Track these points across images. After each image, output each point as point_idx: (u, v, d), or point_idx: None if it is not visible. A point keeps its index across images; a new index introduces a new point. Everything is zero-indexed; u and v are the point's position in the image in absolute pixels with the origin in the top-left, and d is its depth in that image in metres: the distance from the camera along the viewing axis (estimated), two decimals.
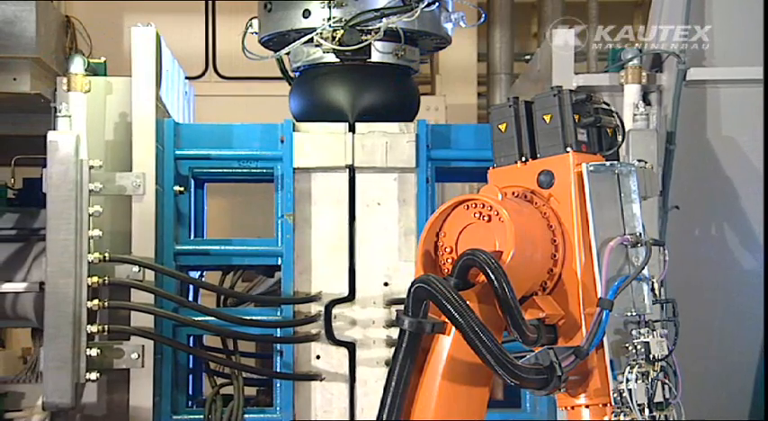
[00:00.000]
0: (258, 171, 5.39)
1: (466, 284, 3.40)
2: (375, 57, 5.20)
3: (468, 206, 3.51)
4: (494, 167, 3.73)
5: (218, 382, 5.39)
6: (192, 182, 5.56)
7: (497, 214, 3.43)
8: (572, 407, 3.51)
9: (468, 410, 3.44)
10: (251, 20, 5.32)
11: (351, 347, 5.18)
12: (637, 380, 3.38)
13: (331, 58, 5.18)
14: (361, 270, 5.21)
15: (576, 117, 3.55)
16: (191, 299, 5.49)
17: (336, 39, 4.94)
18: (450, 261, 3.51)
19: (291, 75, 5.54)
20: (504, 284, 3.27)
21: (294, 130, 5.21)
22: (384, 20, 4.88)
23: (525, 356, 3.34)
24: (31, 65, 5.14)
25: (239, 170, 5.43)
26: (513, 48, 9.08)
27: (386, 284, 5.20)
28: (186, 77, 6.22)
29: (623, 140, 3.67)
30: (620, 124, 3.67)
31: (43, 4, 5.21)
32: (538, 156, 3.60)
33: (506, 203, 3.47)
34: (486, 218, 3.45)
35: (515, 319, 3.30)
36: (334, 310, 5.17)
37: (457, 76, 9.90)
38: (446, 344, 3.36)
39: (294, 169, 5.19)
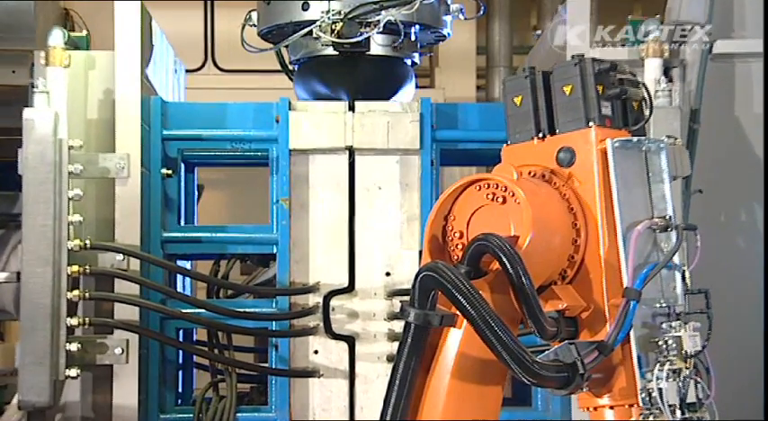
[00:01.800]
0: (252, 153, 5.15)
1: (477, 272, 3.10)
2: (374, 49, 5.03)
3: (479, 186, 3.22)
4: (508, 145, 3.43)
5: (212, 379, 5.10)
6: (182, 166, 5.31)
7: (513, 195, 3.14)
8: (594, 409, 3.21)
9: (480, 412, 3.15)
10: (250, 12, 5.17)
11: (350, 341, 4.92)
12: (668, 378, 3.08)
13: (330, 50, 5.00)
14: (361, 259, 4.96)
15: (600, 88, 3.25)
16: (179, 290, 5.22)
17: (335, 31, 4.83)
18: (459, 247, 3.22)
19: (290, 67, 5.37)
20: (521, 272, 2.98)
21: (290, 109, 4.93)
22: (383, 12, 4.76)
23: (543, 352, 3.05)
24: (29, 57, 5.01)
25: (232, 153, 5.18)
26: (512, 41, 9.10)
27: (388, 274, 4.96)
28: (186, 70, 6.03)
29: (651, 114, 3.37)
30: (648, 97, 3.37)
31: None
32: (557, 131, 3.31)
33: (522, 183, 3.18)
34: (499, 199, 3.16)
35: (533, 311, 3.01)
36: (333, 302, 4.90)
37: (456, 69, 9.90)
38: (456, 339, 3.06)
39: (290, 151, 4.92)
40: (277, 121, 4.95)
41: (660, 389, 3.07)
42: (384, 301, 4.91)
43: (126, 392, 4.65)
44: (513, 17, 9.13)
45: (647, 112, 3.36)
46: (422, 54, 5.32)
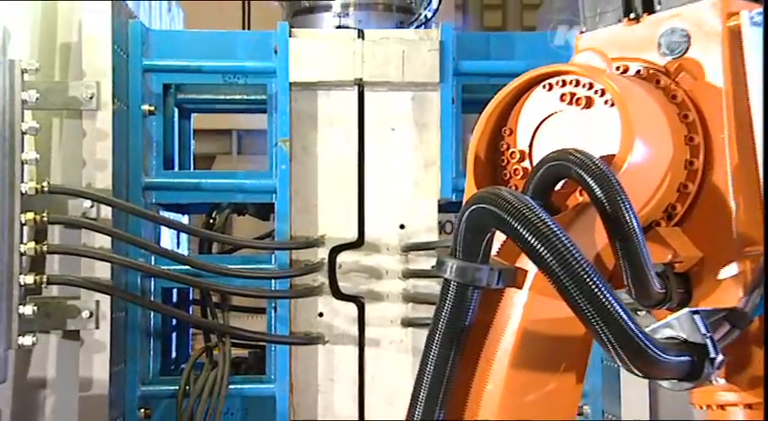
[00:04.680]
0: (252, 97, 3.94)
1: (548, 210, 1.73)
2: None
3: (549, 85, 1.84)
4: (582, 32, 2.05)
5: (205, 343, 3.76)
6: (176, 111, 4.03)
7: (602, 94, 1.76)
8: (719, 407, 1.84)
9: (551, 408, 1.79)
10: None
11: (360, 303, 3.63)
12: None
13: None
14: (371, 209, 3.65)
15: None
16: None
17: None
18: (520, 173, 1.85)
19: None
20: (622, 205, 1.62)
21: (291, 37, 3.57)
22: None
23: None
24: None
25: (230, 96, 4.00)
26: None
27: (402, 226, 3.66)
28: None
29: None
30: None
31: None
32: (657, 8, 1.93)
33: (615, 78, 1.79)
34: (581, 102, 1.79)
35: (638, 264, 1.66)
36: (340, 258, 3.61)
37: None
38: (520, 306, 1.69)
39: (291, 84, 3.57)
40: (275, 52, 3.58)
41: None
42: (398, 257, 3.63)
43: (95, 362, 3.26)
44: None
45: None
46: None
